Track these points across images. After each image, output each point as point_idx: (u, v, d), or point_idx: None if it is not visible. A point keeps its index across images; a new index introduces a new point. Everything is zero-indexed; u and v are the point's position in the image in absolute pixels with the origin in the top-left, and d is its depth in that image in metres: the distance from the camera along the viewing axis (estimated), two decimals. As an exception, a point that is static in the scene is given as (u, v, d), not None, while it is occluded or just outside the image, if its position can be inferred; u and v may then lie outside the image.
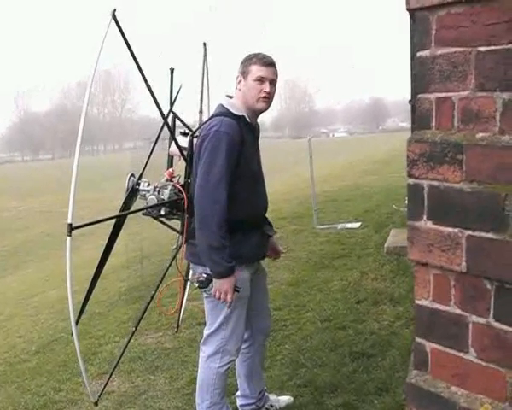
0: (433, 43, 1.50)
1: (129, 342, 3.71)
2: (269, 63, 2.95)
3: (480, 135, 1.42)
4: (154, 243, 9.25)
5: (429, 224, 1.53)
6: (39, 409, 4.15)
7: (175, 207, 3.23)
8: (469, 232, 1.45)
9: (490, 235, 1.40)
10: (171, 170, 3.38)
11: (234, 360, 3.21)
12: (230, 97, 3.07)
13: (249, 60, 2.97)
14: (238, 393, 3.54)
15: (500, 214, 1.37)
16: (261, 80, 2.93)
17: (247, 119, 2.98)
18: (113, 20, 2.86)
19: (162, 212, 3.23)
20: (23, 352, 5.67)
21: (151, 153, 3.71)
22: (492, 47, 1.38)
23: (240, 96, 3.01)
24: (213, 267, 2.86)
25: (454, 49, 1.45)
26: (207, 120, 3.07)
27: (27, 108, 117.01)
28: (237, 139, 2.87)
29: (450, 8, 1.44)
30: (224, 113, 2.95)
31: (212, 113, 3.19)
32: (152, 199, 3.20)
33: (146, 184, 3.29)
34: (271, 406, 3.54)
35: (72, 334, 2.97)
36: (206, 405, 3.12)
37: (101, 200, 21.32)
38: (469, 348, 1.52)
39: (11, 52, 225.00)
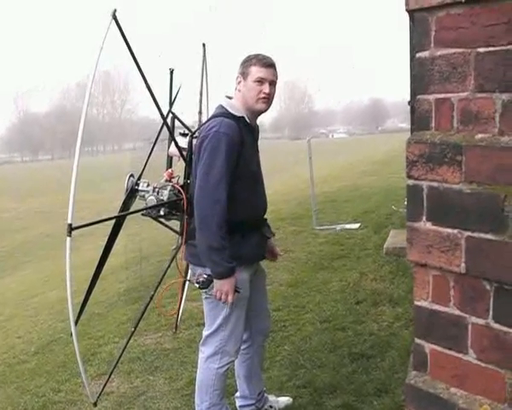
0: (432, 44, 1.50)
1: (128, 342, 3.71)
2: (268, 64, 2.95)
3: (480, 136, 1.42)
4: (154, 243, 9.26)
5: (428, 225, 1.53)
6: (38, 410, 4.15)
7: (174, 207, 3.23)
8: (469, 233, 1.45)
9: (489, 236, 1.40)
10: (170, 171, 3.38)
11: (233, 361, 3.21)
12: (230, 98, 3.07)
13: (249, 61, 2.97)
14: (237, 394, 3.54)
15: (499, 215, 1.37)
16: (261, 81, 2.93)
17: (247, 120, 2.99)
18: (113, 21, 2.86)
19: (161, 212, 3.23)
20: (22, 353, 5.67)
21: (150, 153, 3.71)
22: (492, 48, 1.38)
23: (239, 97, 3.01)
24: (214, 268, 2.86)
25: (453, 51, 1.45)
26: (207, 121, 3.07)
27: (27, 108, 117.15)
28: (237, 140, 2.87)
29: (450, 10, 1.45)
30: (223, 113, 2.95)
31: (211, 113, 3.20)
32: (151, 200, 3.20)
33: (145, 184, 3.29)
34: (271, 407, 3.54)
35: (71, 334, 2.97)
36: (206, 406, 3.12)
37: (100, 200, 21.31)
38: (468, 349, 1.52)
39: (11, 53, 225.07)
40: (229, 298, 2.88)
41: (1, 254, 16.60)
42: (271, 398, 3.58)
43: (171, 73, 3.96)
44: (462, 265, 1.47)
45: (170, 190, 3.21)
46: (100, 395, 3.55)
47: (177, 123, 3.70)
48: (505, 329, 1.44)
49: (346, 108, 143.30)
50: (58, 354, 5.32)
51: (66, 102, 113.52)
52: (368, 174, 17.88)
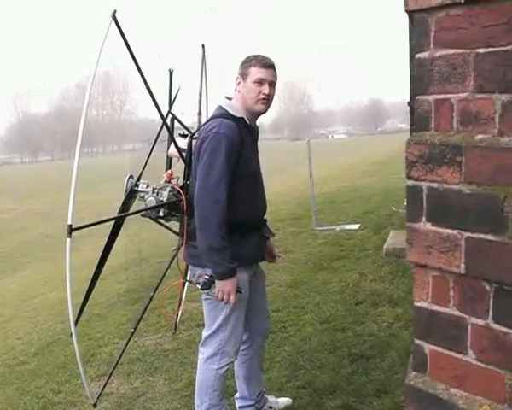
0: (431, 45, 1.50)
1: (128, 343, 3.71)
2: (268, 65, 2.95)
3: (479, 137, 1.42)
4: (153, 244, 9.25)
5: (428, 225, 1.53)
6: (38, 411, 4.15)
7: (174, 208, 3.23)
8: (468, 234, 1.45)
9: (489, 236, 1.40)
10: (169, 171, 3.39)
11: (233, 362, 3.21)
12: (229, 99, 3.07)
13: (248, 62, 2.97)
14: (237, 395, 3.54)
15: (499, 216, 1.37)
16: (260, 82, 2.93)
17: (247, 120, 2.99)
18: (113, 21, 2.87)
19: (161, 213, 3.24)
20: (22, 354, 5.67)
21: (150, 154, 3.72)
22: (491, 49, 1.38)
23: (239, 97, 3.01)
24: (215, 268, 2.86)
25: (453, 51, 1.45)
26: (206, 122, 3.07)
27: (26, 109, 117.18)
28: (236, 141, 2.87)
29: (449, 10, 1.45)
30: (223, 114, 2.95)
31: (210, 114, 3.20)
32: (151, 200, 3.21)
33: (145, 185, 3.29)
34: (270, 407, 3.53)
35: (71, 335, 2.97)
36: (205, 406, 3.12)
37: (100, 201, 21.30)
38: (468, 349, 1.52)
39: (10, 53, 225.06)
40: (232, 298, 2.88)
41: (0, 254, 16.58)
42: (271, 399, 3.58)
43: (171, 73, 3.97)
44: (462, 265, 1.47)
45: (169, 191, 3.22)
46: (100, 395, 3.56)
47: (176, 124, 3.71)
48: (505, 329, 1.43)
49: (345, 108, 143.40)
50: (58, 355, 5.32)
51: (65, 103, 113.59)
52: (367, 175, 17.89)
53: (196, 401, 3.18)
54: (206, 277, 2.91)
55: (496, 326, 1.45)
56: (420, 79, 1.54)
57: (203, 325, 3.22)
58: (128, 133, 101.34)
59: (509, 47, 1.35)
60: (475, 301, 1.48)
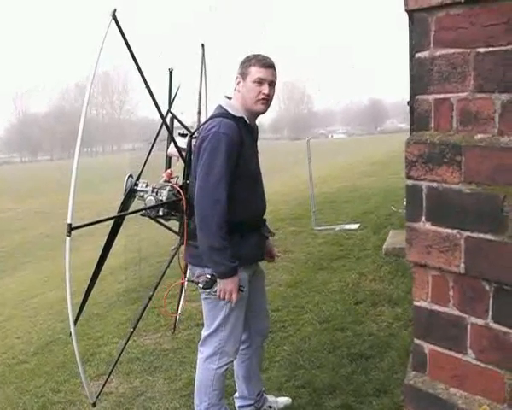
0: (431, 45, 1.50)
1: (127, 343, 3.71)
2: (268, 65, 2.95)
3: (479, 136, 1.42)
4: (153, 244, 9.25)
5: (428, 225, 1.53)
6: (37, 410, 4.15)
7: (173, 208, 3.23)
8: (468, 234, 1.45)
9: (488, 236, 1.40)
10: (169, 171, 3.38)
11: (232, 362, 3.21)
12: (229, 98, 3.07)
13: (248, 61, 2.97)
14: (236, 394, 3.54)
15: (499, 216, 1.37)
16: (260, 82, 2.93)
17: (246, 120, 2.98)
18: (113, 21, 2.86)
19: (160, 213, 3.23)
20: (21, 353, 5.67)
21: (149, 153, 3.71)
22: (491, 48, 1.38)
23: (239, 97, 3.01)
24: (216, 268, 2.86)
25: (453, 51, 1.45)
26: (206, 121, 3.07)
27: (26, 109, 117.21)
28: (236, 140, 2.87)
29: (449, 10, 1.44)
30: (223, 114, 2.95)
31: (210, 114, 3.19)
32: (150, 200, 3.20)
33: (144, 184, 3.29)
34: (270, 407, 3.53)
35: (70, 334, 2.97)
36: (205, 406, 3.12)
37: (99, 201, 21.29)
38: (468, 349, 1.52)
39: (10, 53, 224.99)
40: (234, 297, 2.89)
41: (0, 254, 16.57)
42: (270, 398, 3.58)
43: (171, 73, 3.97)
44: (462, 265, 1.47)
45: (169, 191, 3.21)
46: (99, 395, 3.56)
47: (176, 123, 3.70)
48: (505, 329, 1.43)
49: (345, 108, 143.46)
50: (57, 354, 5.32)
51: (65, 103, 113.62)
52: (367, 175, 17.88)
53: (195, 400, 3.18)
54: (208, 276, 2.91)
55: (495, 326, 1.45)
56: (420, 78, 1.54)
57: (202, 325, 3.21)
58: (128, 133, 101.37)
59: (508, 47, 1.34)
60: (475, 300, 1.48)
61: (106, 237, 3.35)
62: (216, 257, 2.82)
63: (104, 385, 3.65)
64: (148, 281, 6.34)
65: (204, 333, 3.13)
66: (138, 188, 3.28)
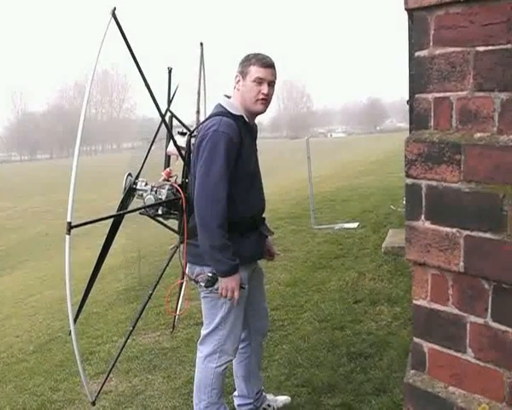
0: (431, 43, 1.50)
1: (126, 341, 3.71)
2: (268, 64, 2.94)
3: (479, 135, 1.42)
4: (152, 242, 9.26)
5: (427, 224, 1.53)
6: (37, 409, 4.14)
7: (172, 206, 3.23)
8: (467, 232, 1.45)
9: (488, 235, 1.40)
10: (168, 170, 3.38)
11: (231, 360, 3.21)
12: (228, 97, 3.06)
13: (248, 60, 2.96)
14: (235, 393, 3.54)
15: (498, 214, 1.37)
16: (260, 82, 2.92)
17: (246, 119, 2.98)
18: (112, 19, 2.86)
19: (160, 211, 3.23)
20: (20, 351, 5.67)
21: (148, 152, 3.71)
22: (491, 47, 1.38)
23: (238, 96, 3.00)
24: (217, 266, 2.86)
25: (452, 49, 1.45)
26: (205, 120, 3.06)
27: (25, 107, 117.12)
28: (236, 139, 2.86)
29: (449, 8, 1.44)
30: (222, 112, 2.95)
31: (208, 113, 3.19)
32: (149, 198, 3.20)
33: (143, 183, 3.28)
34: (269, 406, 3.53)
35: (69, 333, 2.97)
36: (204, 405, 3.11)
37: (98, 200, 21.31)
38: (467, 348, 1.52)
39: (9, 52, 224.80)
40: (236, 295, 2.89)
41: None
42: (269, 397, 3.58)
43: (170, 71, 3.96)
44: (461, 264, 1.47)
45: (168, 189, 3.21)
46: (98, 393, 3.55)
47: (175, 122, 3.70)
48: (504, 328, 1.44)
49: (344, 107, 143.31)
50: (56, 353, 5.32)
51: (64, 102, 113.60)
52: (366, 174, 17.89)
53: (195, 399, 3.18)
54: (210, 274, 2.92)
55: (495, 325, 1.45)
56: (419, 77, 1.54)
57: (202, 324, 3.21)
58: (127, 131, 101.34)
59: (508, 45, 1.34)
60: (474, 299, 1.48)
61: (103, 237, 3.35)
62: (217, 256, 2.82)
63: (103, 384, 3.65)
64: (148, 280, 6.34)
65: (203, 332, 3.13)
66: (137, 187, 3.27)
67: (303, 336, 4.60)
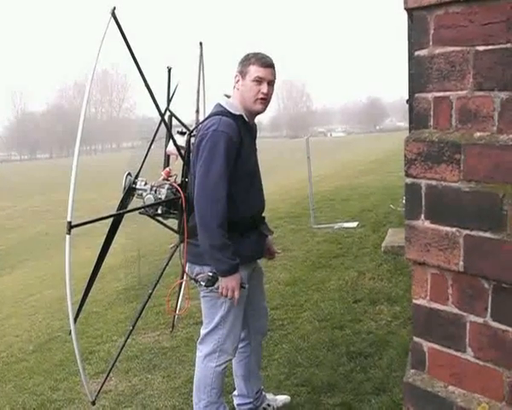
0: (431, 43, 1.50)
1: (126, 341, 3.70)
2: (267, 64, 2.94)
3: (478, 134, 1.42)
4: (152, 242, 9.25)
5: (427, 223, 1.53)
6: (37, 408, 4.15)
7: (172, 206, 3.22)
8: (467, 232, 1.45)
9: (487, 234, 1.40)
10: (168, 169, 3.37)
11: (231, 360, 3.21)
12: (228, 97, 3.06)
13: (248, 60, 2.96)
14: (235, 392, 3.54)
15: (498, 214, 1.37)
16: (259, 81, 2.92)
17: (245, 118, 2.98)
18: (112, 19, 2.86)
19: (159, 211, 3.23)
20: (20, 351, 5.67)
21: (148, 152, 3.71)
22: (490, 46, 1.38)
23: (237, 95, 3.00)
24: (218, 266, 2.86)
25: (452, 49, 1.45)
26: (205, 119, 3.06)
27: (24, 107, 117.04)
28: (235, 139, 2.86)
29: (448, 8, 1.44)
30: (222, 112, 2.95)
31: (208, 112, 3.19)
32: (149, 198, 3.20)
33: (143, 183, 3.28)
34: (268, 405, 3.53)
35: (69, 333, 2.97)
36: (204, 404, 3.12)
37: (98, 200, 21.29)
38: (467, 347, 1.52)
39: (9, 52, 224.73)
40: (236, 294, 2.89)
41: (-1, 252, 16.59)
42: (269, 396, 3.58)
43: (169, 71, 3.96)
44: (461, 263, 1.47)
45: (168, 189, 3.20)
46: (98, 393, 3.55)
47: (175, 122, 3.69)
48: (503, 327, 1.44)
49: (344, 107, 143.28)
50: (56, 352, 5.32)
51: (63, 101, 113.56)
52: (366, 173, 17.87)
53: (194, 398, 3.18)
54: (210, 274, 2.92)
55: (494, 324, 1.45)
56: (419, 76, 1.54)
57: (201, 323, 3.21)
58: (127, 131, 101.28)
59: (508, 45, 1.35)
60: (474, 298, 1.48)
61: (103, 236, 3.34)
62: (217, 255, 2.82)
63: (103, 383, 3.65)
64: (147, 279, 6.35)
65: (203, 331, 3.13)
66: (137, 186, 3.27)
67: (302, 335, 4.60)
